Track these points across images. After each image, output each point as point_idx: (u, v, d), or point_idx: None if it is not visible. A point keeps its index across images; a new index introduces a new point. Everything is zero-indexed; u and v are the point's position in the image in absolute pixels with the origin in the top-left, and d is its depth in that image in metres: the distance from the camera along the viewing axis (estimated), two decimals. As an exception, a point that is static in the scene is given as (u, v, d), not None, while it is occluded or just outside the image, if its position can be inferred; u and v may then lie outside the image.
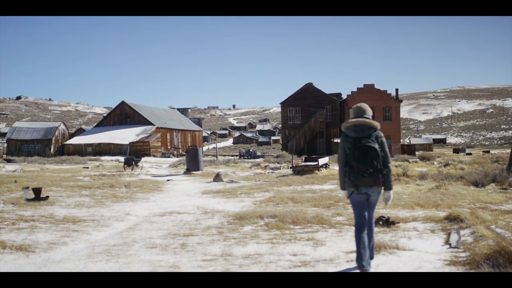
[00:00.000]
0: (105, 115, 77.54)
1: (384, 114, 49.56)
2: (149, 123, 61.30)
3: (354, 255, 5.07)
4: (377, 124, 4.76)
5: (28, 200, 10.75)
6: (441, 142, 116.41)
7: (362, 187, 4.62)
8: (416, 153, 47.91)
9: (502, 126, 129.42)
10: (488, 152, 58.37)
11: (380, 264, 4.96)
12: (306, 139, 51.17)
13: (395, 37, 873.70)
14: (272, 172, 22.93)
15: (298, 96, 52.60)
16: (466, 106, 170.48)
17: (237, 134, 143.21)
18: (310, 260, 5.29)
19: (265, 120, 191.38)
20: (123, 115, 63.91)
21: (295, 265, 5.08)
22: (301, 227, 7.20)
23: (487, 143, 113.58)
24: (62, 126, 63.22)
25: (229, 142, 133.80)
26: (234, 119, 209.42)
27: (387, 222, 7.10)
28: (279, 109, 74.57)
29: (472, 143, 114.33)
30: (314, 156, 27.42)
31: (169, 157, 52.29)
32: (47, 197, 11.25)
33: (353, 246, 5.45)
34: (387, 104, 49.78)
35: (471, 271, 4.53)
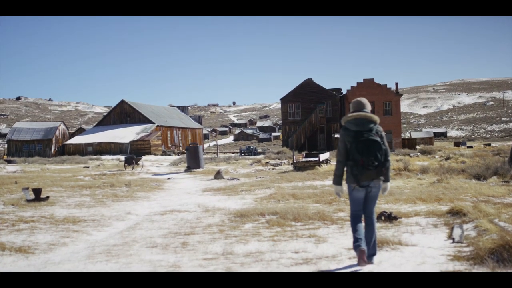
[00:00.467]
0: (105, 114, 77.57)
1: (385, 108, 49.46)
2: (149, 122, 61.31)
3: (356, 252, 5.01)
4: (377, 118, 4.80)
5: (28, 200, 10.71)
6: (442, 135, 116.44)
7: (364, 181, 4.62)
8: (417, 147, 47.88)
9: (503, 119, 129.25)
10: (489, 145, 58.38)
11: (383, 260, 4.90)
12: (306, 134, 51.09)
13: (394, 32, 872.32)
14: (273, 169, 22.89)
15: (298, 92, 52.45)
16: (466, 99, 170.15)
17: (237, 131, 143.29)
18: (312, 257, 5.24)
19: (265, 117, 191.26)
20: (123, 114, 63.90)
21: (297, 263, 5.02)
22: (302, 224, 7.15)
23: (488, 136, 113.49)
24: (62, 126, 63.22)
25: (230, 139, 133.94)
26: (234, 116, 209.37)
27: (389, 217, 7.05)
28: (279, 105, 74.48)
29: (473, 136, 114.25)
30: (315, 152, 27.35)
31: (169, 155, 52.31)
32: (47, 197, 11.21)
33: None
34: (387, 99, 49.67)
35: (476, 266, 4.48)
